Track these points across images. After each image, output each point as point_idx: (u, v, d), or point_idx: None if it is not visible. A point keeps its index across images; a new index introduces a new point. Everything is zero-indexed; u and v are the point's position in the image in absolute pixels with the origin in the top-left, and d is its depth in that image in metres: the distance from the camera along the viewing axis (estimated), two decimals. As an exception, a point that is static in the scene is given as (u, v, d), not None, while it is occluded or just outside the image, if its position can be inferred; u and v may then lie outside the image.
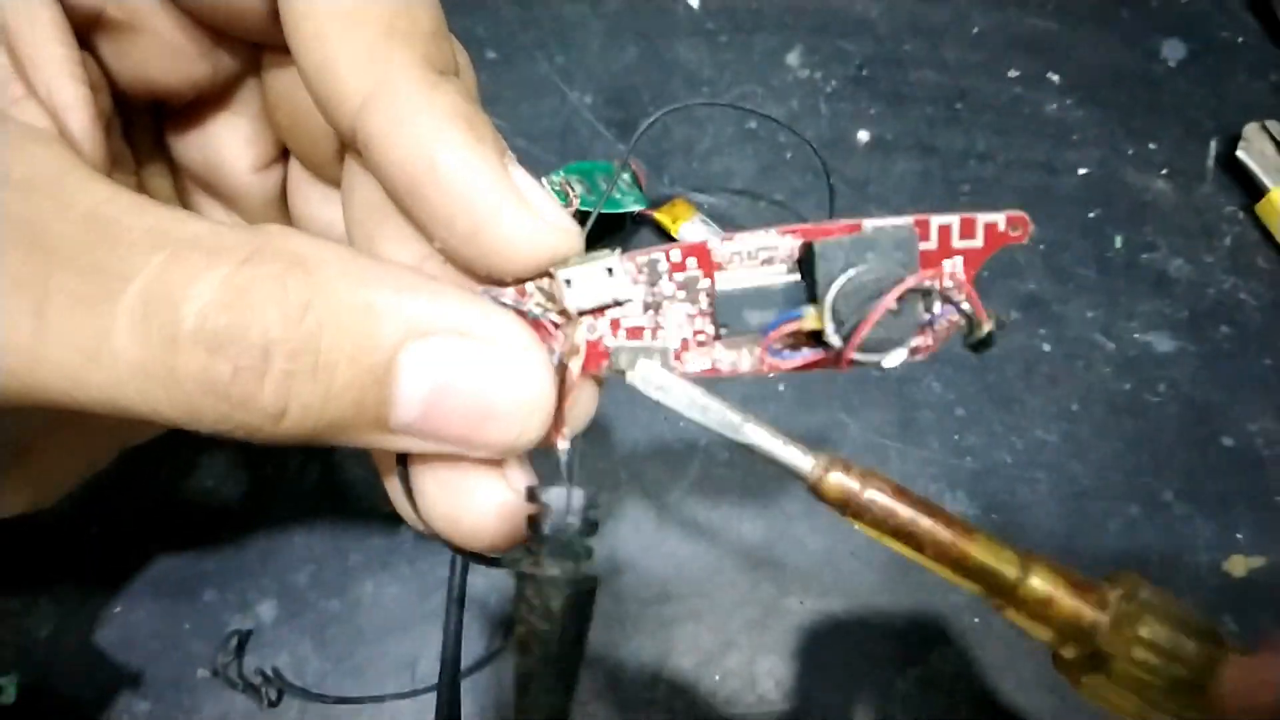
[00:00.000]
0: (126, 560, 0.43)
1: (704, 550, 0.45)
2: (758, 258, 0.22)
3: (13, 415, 0.21)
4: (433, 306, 0.20)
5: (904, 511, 0.21)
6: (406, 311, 0.19)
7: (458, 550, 0.24)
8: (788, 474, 0.22)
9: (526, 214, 0.20)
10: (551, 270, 0.21)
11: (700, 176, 0.54)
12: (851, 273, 0.20)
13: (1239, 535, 0.47)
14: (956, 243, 0.21)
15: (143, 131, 0.29)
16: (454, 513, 0.22)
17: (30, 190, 0.18)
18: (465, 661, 0.42)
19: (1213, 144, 0.56)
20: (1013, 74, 0.58)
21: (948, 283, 0.21)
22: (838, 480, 0.21)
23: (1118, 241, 0.53)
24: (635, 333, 0.22)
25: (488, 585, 0.44)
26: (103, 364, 0.17)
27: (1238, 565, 0.46)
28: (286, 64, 0.26)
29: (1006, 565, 0.21)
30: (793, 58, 0.57)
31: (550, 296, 0.22)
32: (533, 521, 0.21)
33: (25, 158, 0.19)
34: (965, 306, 0.21)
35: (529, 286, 0.22)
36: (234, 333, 0.18)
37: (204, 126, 0.29)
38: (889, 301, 0.20)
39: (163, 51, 0.25)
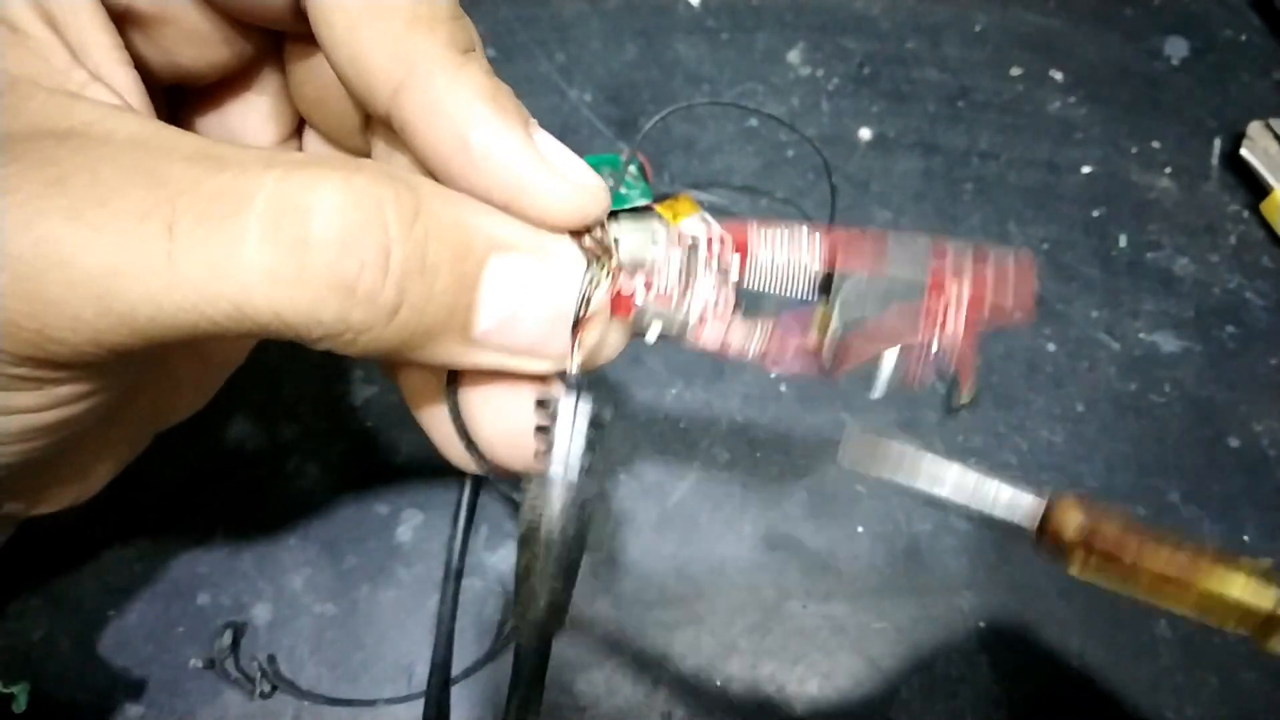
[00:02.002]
0: (119, 562, 0.43)
1: (704, 553, 0.45)
2: (785, 251, 0.24)
3: (115, 373, 0.22)
4: (512, 227, 0.22)
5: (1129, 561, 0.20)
6: (491, 229, 0.21)
7: (498, 477, 0.25)
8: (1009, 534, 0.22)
9: (555, 180, 0.22)
10: (604, 223, 0.23)
11: (701, 174, 0.53)
12: (860, 314, 0.23)
13: (1246, 538, 0.46)
14: (961, 310, 0.23)
15: (158, 111, 0.30)
16: (508, 433, 0.24)
17: (138, 144, 0.19)
18: (462, 664, 0.41)
19: (1217, 142, 0.56)
20: (1015, 72, 0.57)
21: (946, 344, 0.23)
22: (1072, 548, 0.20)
23: (1122, 240, 0.53)
24: (664, 300, 0.24)
25: (485, 588, 0.43)
26: (233, 274, 0.18)
27: (1245, 568, 0.45)
28: (309, 47, 0.27)
29: (1260, 596, 0.19)
30: (794, 55, 0.57)
31: (600, 243, 0.24)
32: (540, 430, 0.22)
33: (124, 123, 0.20)
34: (953, 372, 0.24)
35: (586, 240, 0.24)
36: (361, 230, 0.19)
37: (225, 105, 0.30)
38: (884, 351, 0.22)
39: (189, 39, 0.26)
